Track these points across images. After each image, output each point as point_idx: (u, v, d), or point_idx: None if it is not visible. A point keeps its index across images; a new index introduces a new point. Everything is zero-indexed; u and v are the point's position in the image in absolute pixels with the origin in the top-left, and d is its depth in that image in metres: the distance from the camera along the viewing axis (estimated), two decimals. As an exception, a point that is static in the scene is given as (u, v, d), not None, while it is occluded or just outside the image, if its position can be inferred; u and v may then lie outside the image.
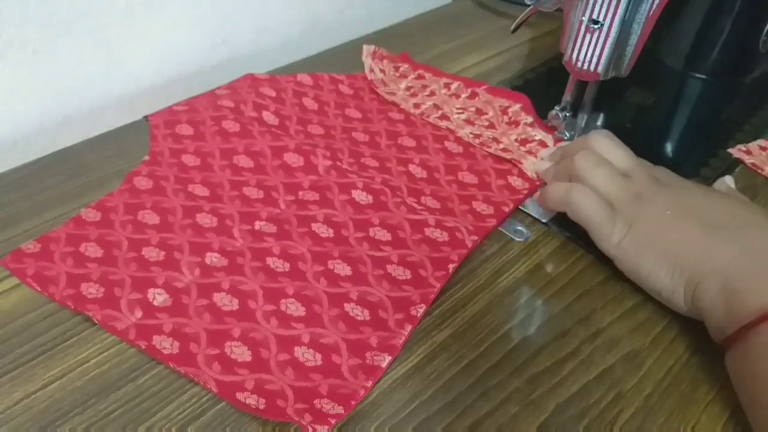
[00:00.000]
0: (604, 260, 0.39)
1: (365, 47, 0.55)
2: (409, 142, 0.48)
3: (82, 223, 0.38)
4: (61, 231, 0.38)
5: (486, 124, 0.50)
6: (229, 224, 0.39)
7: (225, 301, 0.35)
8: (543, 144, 0.48)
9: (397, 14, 0.66)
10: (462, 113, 0.51)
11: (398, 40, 0.63)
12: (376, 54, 0.55)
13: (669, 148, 0.53)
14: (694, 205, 0.36)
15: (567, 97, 0.47)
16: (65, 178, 0.43)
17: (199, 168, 0.43)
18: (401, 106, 0.51)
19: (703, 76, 0.59)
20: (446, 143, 0.48)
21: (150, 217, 0.39)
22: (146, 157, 0.43)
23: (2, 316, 0.34)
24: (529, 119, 0.49)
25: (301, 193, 0.42)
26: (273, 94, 0.50)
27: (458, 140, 0.48)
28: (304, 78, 0.52)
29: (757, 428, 0.30)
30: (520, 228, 0.42)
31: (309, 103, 0.50)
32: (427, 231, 0.40)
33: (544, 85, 0.58)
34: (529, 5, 0.46)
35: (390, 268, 0.38)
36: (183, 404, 0.31)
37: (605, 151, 0.40)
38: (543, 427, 0.31)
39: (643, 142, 0.51)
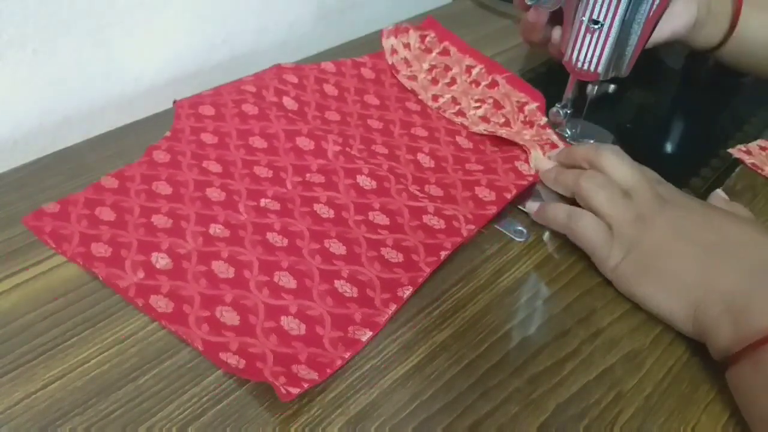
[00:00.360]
0: (604, 260, 0.39)
1: (385, 30, 0.56)
2: (422, 132, 0.49)
3: (101, 189, 0.41)
4: (80, 195, 0.40)
5: (502, 121, 0.50)
6: (236, 199, 0.41)
7: (222, 269, 0.37)
8: (555, 146, 0.47)
9: (397, 14, 0.66)
10: (479, 107, 0.51)
11: (398, 40, 0.63)
12: (399, 30, 0.56)
13: (669, 148, 0.53)
14: (693, 227, 0.36)
15: (568, 94, 0.47)
16: (65, 178, 0.43)
17: (216, 146, 0.45)
18: (420, 96, 0.52)
19: (703, 77, 0.59)
20: (458, 138, 0.49)
21: (163, 188, 0.41)
22: (168, 133, 0.45)
23: (2, 316, 0.34)
24: (543, 120, 0.49)
25: (308, 175, 0.43)
26: (295, 80, 0.51)
27: (470, 136, 0.49)
28: (328, 66, 0.54)
29: None
30: (520, 228, 0.42)
31: (329, 89, 0.52)
32: (425, 218, 0.41)
33: (544, 85, 0.58)
34: (530, 5, 0.46)
35: (384, 250, 0.39)
36: (183, 404, 0.31)
37: (611, 168, 0.40)
38: (543, 427, 0.31)
39: (643, 142, 0.52)
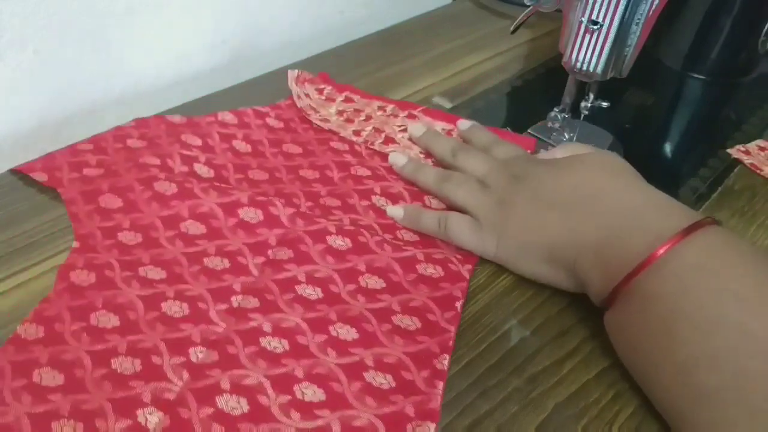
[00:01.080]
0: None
1: (290, 73, 0.52)
2: (363, 172, 0.44)
3: (24, 344, 0.31)
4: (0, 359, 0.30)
5: None
6: (202, 307, 0.34)
7: (232, 405, 0.29)
8: None
9: (397, 14, 0.67)
10: (404, 131, 0.48)
11: (398, 41, 0.63)
12: (299, 78, 0.51)
13: (668, 148, 0.53)
14: (549, 194, 0.37)
15: (566, 98, 0.47)
16: (66, 179, 0.43)
17: (144, 245, 0.37)
18: (341, 134, 0.48)
19: (702, 77, 0.59)
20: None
21: (106, 319, 0.32)
22: (75, 244, 0.37)
23: (3, 316, 0.34)
24: None
25: (270, 252, 0.37)
26: (198, 142, 0.44)
27: None
28: (226, 116, 0.47)
29: (640, 377, 0.32)
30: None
31: (240, 146, 0.45)
32: (420, 268, 0.38)
33: (543, 85, 0.58)
34: (529, 6, 0.46)
35: (396, 319, 0.35)
36: (183, 404, 0.31)
37: (463, 164, 0.42)
38: (542, 427, 0.31)
39: (642, 143, 0.52)
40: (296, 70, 0.52)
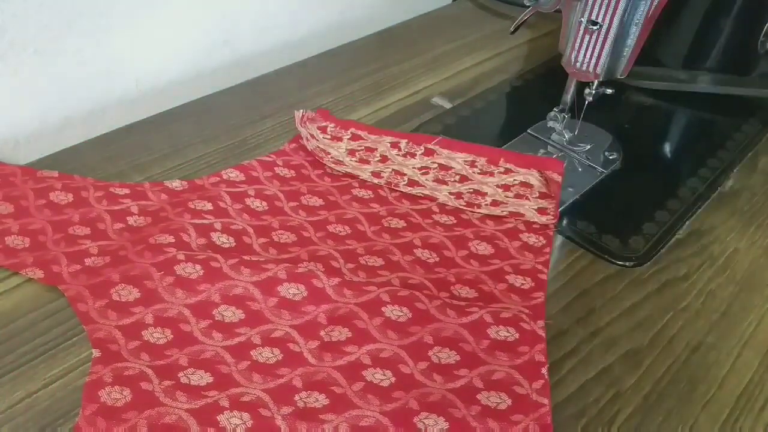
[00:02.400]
0: (603, 259, 0.39)
1: (296, 114, 0.47)
2: (396, 222, 0.41)
3: None
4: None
5: (457, 178, 0.43)
6: (266, 414, 0.29)
7: None
8: (527, 185, 0.42)
9: (397, 15, 0.67)
10: (427, 173, 0.43)
11: (398, 41, 0.63)
12: (303, 118, 0.46)
13: (667, 148, 0.53)
14: None
15: (566, 98, 0.47)
16: (66, 179, 0.43)
17: (176, 342, 0.32)
18: (360, 177, 0.44)
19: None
20: (435, 216, 0.42)
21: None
22: (95, 353, 0.31)
23: (4, 315, 0.34)
24: (501, 168, 0.42)
25: (323, 332, 0.33)
26: (209, 206, 0.40)
27: (444, 209, 0.42)
28: (231, 174, 0.43)
29: None
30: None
31: (255, 203, 0.40)
32: (491, 332, 0.34)
33: (543, 86, 0.58)
34: (529, 6, 0.46)
35: (481, 397, 0.31)
36: (184, 403, 0.31)
37: None
38: (542, 426, 0.32)
39: (641, 143, 0.52)
40: (301, 111, 0.46)
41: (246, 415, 0.29)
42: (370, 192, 0.43)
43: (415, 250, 0.39)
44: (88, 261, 0.36)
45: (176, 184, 0.41)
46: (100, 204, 0.39)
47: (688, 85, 0.58)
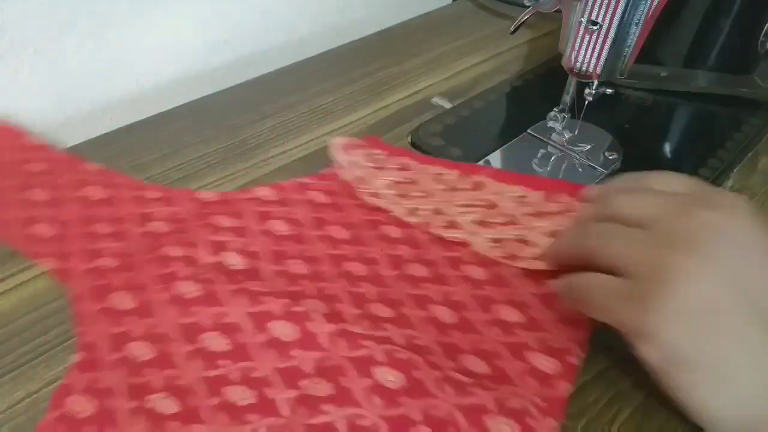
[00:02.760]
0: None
1: (335, 142, 0.45)
2: (420, 271, 0.37)
3: None
4: None
5: (503, 220, 0.39)
6: None
7: None
8: None
9: (397, 15, 0.67)
10: (469, 212, 0.39)
11: (398, 41, 0.63)
12: (347, 146, 0.44)
13: (667, 148, 0.53)
14: (752, 282, 0.25)
15: (566, 98, 0.47)
16: (66, 179, 0.43)
17: (157, 362, 0.31)
18: (394, 213, 0.40)
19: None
20: (464, 267, 0.37)
21: None
22: (75, 357, 0.31)
23: (3, 315, 0.34)
24: (555, 207, 0.38)
25: (304, 383, 0.30)
26: (230, 223, 0.38)
27: (479, 259, 0.37)
28: (264, 191, 0.41)
29: None
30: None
31: (279, 226, 0.39)
32: (489, 422, 0.29)
33: (543, 86, 0.58)
34: (528, 6, 0.46)
35: None
36: (183, 403, 0.31)
37: (620, 207, 0.30)
38: (542, 426, 0.32)
39: (641, 143, 0.52)
40: (340, 139, 0.45)
41: None
42: (399, 231, 0.39)
43: (431, 306, 0.35)
44: (100, 261, 0.35)
45: (208, 195, 0.41)
46: (129, 205, 0.39)
47: (688, 85, 0.58)
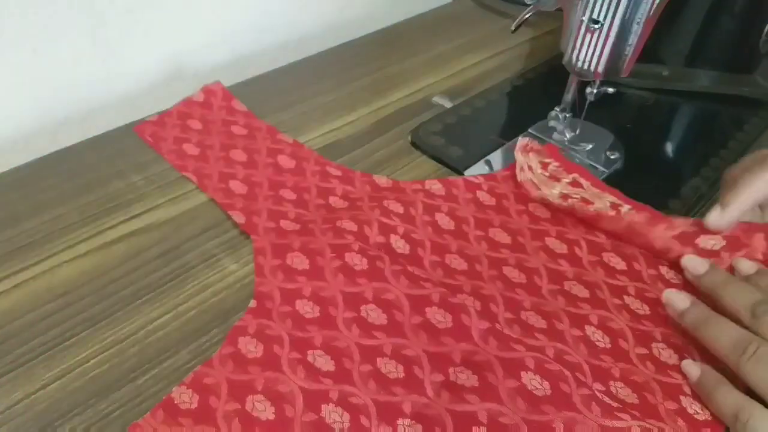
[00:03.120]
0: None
1: (519, 140, 0.45)
2: (580, 291, 0.36)
3: (176, 411, 0.29)
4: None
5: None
6: (364, 424, 0.29)
7: None
8: None
9: (397, 14, 0.66)
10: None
11: (398, 40, 0.63)
12: (526, 147, 0.44)
13: (669, 147, 0.53)
14: None
15: (567, 97, 0.47)
16: (65, 178, 0.43)
17: (320, 321, 0.33)
18: (559, 228, 0.40)
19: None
20: (626, 299, 0.36)
21: (261, 407, 0.29)
22: (252, 303, 0.34)
23: (2, 315, 0.34)
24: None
25: (452, 371, 0.31)
26: (401, 209, 0.40)
27: (642, 295, 0.36)
28: (434, 185, 0.42)
29: None
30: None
31: (443, 220, 0.40)
32: None
33: (544, 84, 0.58)
34: (530, 5, 0.46)
35: None
36: (183, 404, 0.31)
37: None
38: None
39: (643, 143, 0.52)
40: (526, 138, 0.44)
41: (347, 416, 0.29)
42: (565, 247, 0.39)
43: (586, 327, 0.34)
44: (282, 223, 0.39)
45: (383, 180, 0.43)
46: (313, 178, 0.43)
47: (690, 84, 0.58)
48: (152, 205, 0.41)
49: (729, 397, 0.30)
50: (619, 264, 0.38)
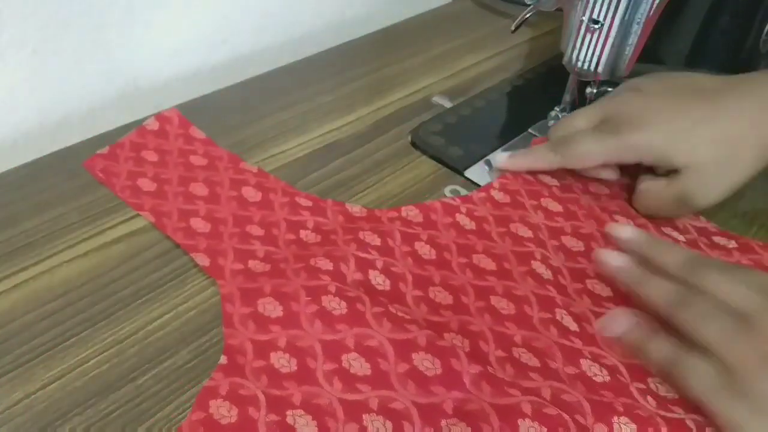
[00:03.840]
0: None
1: (496, 158, 0.44)
2: (570, 323, 0.34)
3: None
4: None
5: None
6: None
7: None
8: None
9: (397, 14, 0.66)
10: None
11: (398, 40, 0.63)
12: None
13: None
14: None
15: (567, 97, 0.47)
16: (65, 178, 0.43)
17: (297, 377, 0.30)
18: (541, 252, 0.38)
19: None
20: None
21: None
22: (222, 359, 0.31)
23: (2, 316, 0.34)
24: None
25: (444, 423, 0.29)
26: (378, 242, 0.37)
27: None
28: (410, 212, 0.40)
29: None
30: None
31: (424, 249, 0.37)
32: None
33: (544, 84, 0.58)
34: (530, 5, 0.46)
35: None
36: (182, 405, 0.31)
37: (719, 290, 0.30)
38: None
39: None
40: (505, 154, 0.44)
41: None
42: (550, 273, 0.37)
43: (581, 361, 0.32)
44: (251, 263, 0.36)
45: (356, 209, 0.40)
46: (282, 210, 0.40)
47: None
48: (152, 205, 0.41)
49: (662, 346, 0.31)
50: (604, 290, 0.36)
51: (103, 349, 0.33)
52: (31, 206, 0.40)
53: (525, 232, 0.39)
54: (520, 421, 0.28)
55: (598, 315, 0.35)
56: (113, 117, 0.48)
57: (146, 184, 0.41)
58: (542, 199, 0.42)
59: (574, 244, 0.39)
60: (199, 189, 0.41)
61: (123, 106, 0.52)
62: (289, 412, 0.29)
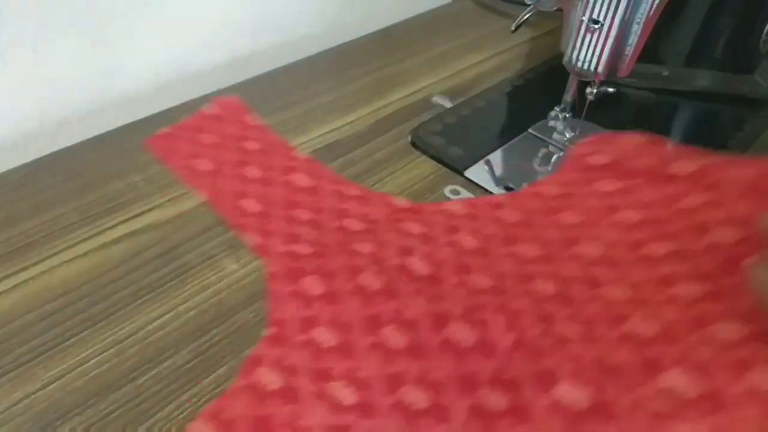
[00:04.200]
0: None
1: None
2: (618, 295, 0.33)
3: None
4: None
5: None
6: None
7: None
8: None
9: (397, 14, 0.66)
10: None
11: (398, 40, 0.63)
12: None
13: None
14: None
15: (567, 97, 0.47)
16: (65, 178, 0.43)
17: (337, 350, 0.31)
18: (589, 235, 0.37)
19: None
20: (668, 290, 0.33)
21: None
22: (269, 330, 0.32)
23: (1, 316, 0.34)
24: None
25: (481, 393, 0.29)
26: (419, 230, 0.38)
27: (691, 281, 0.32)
28: (454, 206, 0.40)
29: None
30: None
31: (465, 240, 0.37)
32: None
33: (544, 85, 0.58)
34: (530, 5, 0.46)
35: None
36: (182, 405, 0.31)
37: None
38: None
39: (643, 142, 0.51)
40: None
41: None
42: (598, 252, 0.36)
43: (624, 325, 0.31)
44: (296, 246, 0.37)
45: (401, 201, 0.41)
46: (329, 198, 0.41)
47: (690, 85, 0.58)
48: (152, 205, 0.41)
49: None
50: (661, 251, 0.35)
51: (102, 349, 0.33)
52: (31, 206, 0.40)
53: (573, 219, 0.38)
54: (554, 387, 0.28)
55: (655, 279, 0.33)
56: (113, 117, 0.48)
57: (203, 164, 0.43)
58: (595, 183, 0.40)
59: (632, 216, 0.37)
60: (253, 172, 0.42)
61: (123, 107, 0.52)
62: (330, 384, 0.29)
